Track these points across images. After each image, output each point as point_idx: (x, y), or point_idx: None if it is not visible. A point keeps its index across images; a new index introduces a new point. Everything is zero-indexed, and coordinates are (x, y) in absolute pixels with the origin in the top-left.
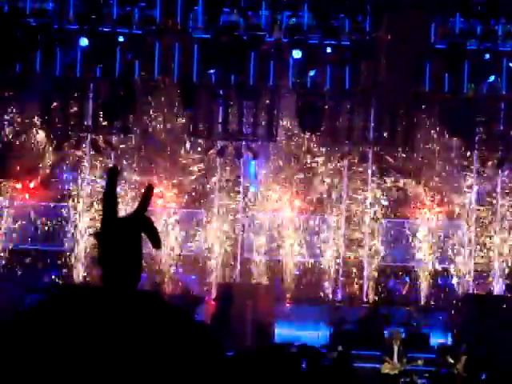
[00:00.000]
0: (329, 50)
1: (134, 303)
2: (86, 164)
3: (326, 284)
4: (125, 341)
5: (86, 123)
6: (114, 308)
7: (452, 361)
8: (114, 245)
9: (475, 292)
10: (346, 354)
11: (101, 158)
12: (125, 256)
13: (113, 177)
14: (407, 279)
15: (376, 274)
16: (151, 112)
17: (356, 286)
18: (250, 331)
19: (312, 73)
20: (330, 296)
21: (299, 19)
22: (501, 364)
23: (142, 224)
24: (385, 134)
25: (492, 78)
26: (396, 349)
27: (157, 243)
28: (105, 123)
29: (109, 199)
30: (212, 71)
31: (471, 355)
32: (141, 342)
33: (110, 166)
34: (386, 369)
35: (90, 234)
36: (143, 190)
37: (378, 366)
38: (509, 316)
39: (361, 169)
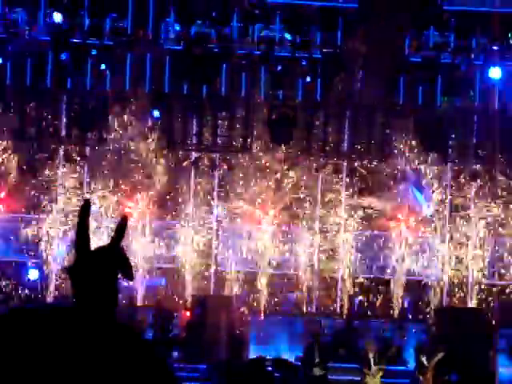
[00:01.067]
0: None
1: (77, 326)
2: (59, 174)
3: (301, 296)
4: (63, 364)
5: (59, 134)
6: (55, 332)
7: (426, 362)
8: (88, 280)
9: (450, 305)
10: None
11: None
12: (99, 291)
13: (85, 210)
14: (381, 292)
15: (350, 287)
16: (124, 123)
17: (331, 299)
18: (225, 343)
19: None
20: (305, 308)
21: (271, 32)
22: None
23: (116, 257)
24: (359, 147)
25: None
26: (372, 358)
27: (130, 277)
28: (78, 135)
29: (81, 232)
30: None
31: (444, 362)
32: (80, 366)
33: (84, 199)
34: (370, 381)
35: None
36: (118, 222)
37: (355, 378)
38: (482, 328)
39: (335, 181)
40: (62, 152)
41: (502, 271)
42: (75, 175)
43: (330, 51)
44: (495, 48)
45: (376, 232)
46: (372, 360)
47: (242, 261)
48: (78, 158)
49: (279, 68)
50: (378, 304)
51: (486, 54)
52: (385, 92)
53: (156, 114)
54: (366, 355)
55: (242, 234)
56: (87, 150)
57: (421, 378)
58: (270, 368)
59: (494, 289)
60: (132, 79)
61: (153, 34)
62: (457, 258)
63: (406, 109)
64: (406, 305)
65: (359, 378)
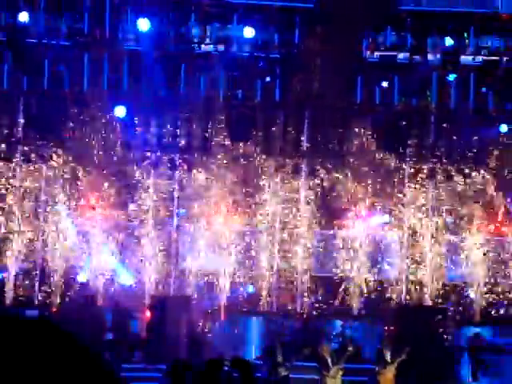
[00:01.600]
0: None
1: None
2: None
3: (262, 296)
4: None
5: (17, 136)
6: None
7: (389, 359)
8: None
9: (408, 303)
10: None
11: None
12: None
13: None
14: (341, 291)
15: (310, 286)
16: (82, 123)
17: (290, 298)
18: (185, 343)
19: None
20: (266, 308)
21: (229, 31)
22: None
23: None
24: (318, 147)
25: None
26: (330, 361)
27: None
28: (36, 136)
29: None
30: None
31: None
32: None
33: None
34: (330, 383)
35: None
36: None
37: (314, 377)
38: (439, 326)
39: (294, 181)
40: (19, 154)
41: (460, 270)
42: (32, 177)
43: (288, 51)
44: (451, 47)
45: (335, 231)
46: (330, 361)
47: (203, 261)
48: (35, 160)
49: (238, 68)
50: (337, 303)
51: (442, 54)
52: (343, 92)
53: (119, 113)
54: (323, 357)
55: (202, 234)
56: (46, 151)
57: (380, 375)
58: (228, 368)
59: (449, 288)
60: (90, 80)
61: (110, 34)
62: (414, 257)
63: (364, 108)
64: (363, 303)
65: (318, 377)
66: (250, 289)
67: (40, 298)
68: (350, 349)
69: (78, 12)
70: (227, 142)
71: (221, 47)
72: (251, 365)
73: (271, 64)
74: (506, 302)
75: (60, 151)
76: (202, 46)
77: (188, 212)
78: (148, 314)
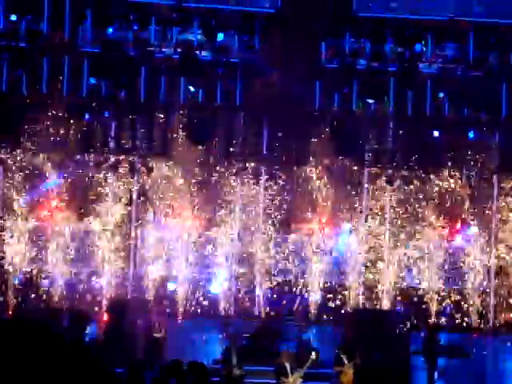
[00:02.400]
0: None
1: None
2: None
3: (220, 299)
4: None
5: None
6: None
7: (346, 361)
8: None
9: (365, 307)
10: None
11: None
12: None
13: None
14: (298, 295)
15: (268, 289)
16: (40, 127)
17: (248, 301)
18: (143, 346)
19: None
20: (223, 311)
21: (189, 35)
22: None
23: None
24: (277, 151)
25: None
26: (288, 367)
27: None
28: None
29: None
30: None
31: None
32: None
33: None
34: None
35: None
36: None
37: (271, 381)
38: (395, 329)
39: (254, 185)
40: None
41: (416, 273)
42: None
43: (247, 55)
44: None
45: (293, 235)
46: (289, 368)
47: (162, 264)
48: None
49: (198, 71)
50: (295, 307)
51: (400, 60)
52: (302, 97)
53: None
54: (282, 363)
55: (161, 237)
56: (2, 153)
57: (338, 378)
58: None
59: (405, 292)
60: (49, 83)
61: (69, 37)
62: (371, 260)
63: (323, 114)
64: (322, 307)
65: (275, 381)
66: (216, 288)
67: None
68: (313, 357)
69: (37, 14)
70: (187, 145)
71: (181, 51)
72: (206, 369)
73: (232, 68)
74: (452, 307)
75: (20, 154)
76: (163, 49)
77: (147, 216)
78: (105, 316)
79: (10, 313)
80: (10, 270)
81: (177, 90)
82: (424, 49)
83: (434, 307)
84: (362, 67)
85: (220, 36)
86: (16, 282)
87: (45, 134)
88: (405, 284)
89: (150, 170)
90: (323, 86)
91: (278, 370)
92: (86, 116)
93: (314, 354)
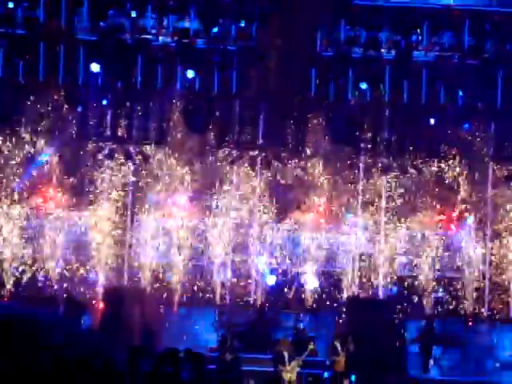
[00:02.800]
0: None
1: None
2: None
3: (215, 287)
4: None
5: None
6: None
7: (340, 348)
8: None
9: (360, 296)
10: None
11: None
12: None
13: None
14: (295, 284)
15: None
16: (38, 115)
17: (245, 290)
18: (139, 335)
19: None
20: (219, 300)
21: (186, 23)
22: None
23: None
24: (274, 140)
25: (364, 85)
26: (287, 355)
27: None
28: None
29: None
30: (98, 72)
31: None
32: None
33: None
34: (286, 376)
35: None
36: None
37: (268, 369)
38: (390, 318)
39: (251, 173)
40: None
41: (412, 263)
42: None
43: (244, 43)
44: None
45: (290, 223)
46: (287, 357)
47: (158, 253)
48: None
49: (195, 59)
50: (290, 295)
51: (396, 48)
52: (298, 85)
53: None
54: (280, 353)
55: (156, 226)
56: None
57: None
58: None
59: (401, 280)
60: (45, 70)
61: (66, 25)
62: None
63: (319, 102)
64: (317, 295)
65: (272, 369)
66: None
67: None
68: (311, 347)
69: (33, 1)
70: (184, 134)
71: (178, 39)
72: (203, 356)
73: (229, 56)
74: (448, 296)
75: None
76: (160, 37)
77: (143, 204)
78: (101, 305)
79: (6, 300)
80: (4, 257)
81: (173, 78)
82: (420, 37)
83: (429, 295)
84: (358, 55)
85: (215, 28)
86: (11, 270)
87: (41, 121)
88: (400, 272)
89: (146, 159)
90: (319, 74)
91: (276, 358)
92: (82, 104)
93: (312, 343)
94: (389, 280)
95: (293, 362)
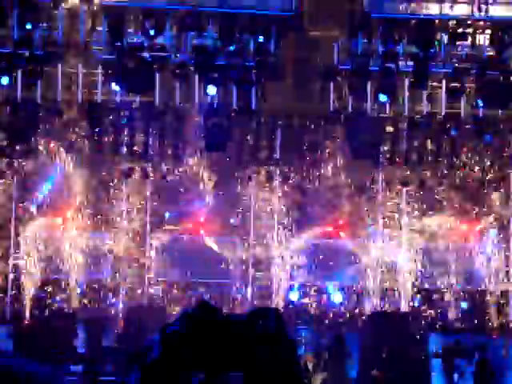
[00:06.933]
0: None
1: None
2: None
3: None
4: None
5: None
6: None
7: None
8: None
9: (383, 309)
10: None
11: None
12: None
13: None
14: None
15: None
16: (55, 134)
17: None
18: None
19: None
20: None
21: (204, 40)
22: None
23: None
24: (292, 155)
25: (384, 97)
26: (311, 368)
27: None
28: (6, 146)
29: None
30: (117, 91)
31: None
32: None
33: None
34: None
35: None
36: None
37: None
38: (414, 331)
39: (267, 189)
40: None
41: (435, 276)
42: (2, 187)
43: (263, 59)
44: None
45: (307, 237)
46: (311, 369)
47: (178, 272)
48: (7, 171)
49: (213, 76)
50: (312, 311)
51: (414, 60)
52: (316, 99)
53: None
54: (305, 366)
55: (175, 245)
56: (16, 162)
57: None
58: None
59: (424, 293)
60: (63, 90)
61: (84, 44)
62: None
63: (337, 116)
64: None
65: None
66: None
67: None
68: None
69: (51, 20)
70: (201, 151)
71: (196, 56)
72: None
73: (247, 72)
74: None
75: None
76: (178, 55)
77: (162, 220)
78: (122, 324)
79: (26, 322)
80: (25, 276)
81: (192, 95)
82: (437, 48)
83: (452, 308)
84: (375, 68)
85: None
86: (32, 290)
87: (58, 140)
88: (422, 285)
89: (163, 177)
90: (336, 88)
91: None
92: (100, 121)
93: (349, 359)
94: (412, 292)
95: (319, 376)
